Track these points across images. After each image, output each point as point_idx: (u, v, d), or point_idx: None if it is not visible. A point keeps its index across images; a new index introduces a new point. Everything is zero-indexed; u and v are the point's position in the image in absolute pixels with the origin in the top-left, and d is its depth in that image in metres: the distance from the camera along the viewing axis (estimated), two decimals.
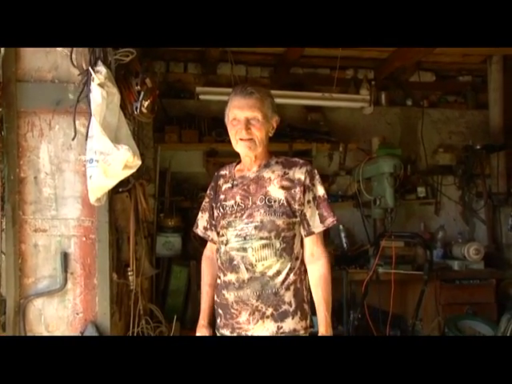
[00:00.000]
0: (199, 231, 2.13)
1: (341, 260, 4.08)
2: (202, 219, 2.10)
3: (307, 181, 1.92)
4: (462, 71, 4.91)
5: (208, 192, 2.09)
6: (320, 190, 1.95)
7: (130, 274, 2.76)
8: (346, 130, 4.66)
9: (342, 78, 4.63)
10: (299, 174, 1.92)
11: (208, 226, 2.07)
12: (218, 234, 2.00)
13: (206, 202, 2.10)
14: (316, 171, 1.97)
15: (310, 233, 1.93)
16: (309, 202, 1.92)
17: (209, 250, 2.12)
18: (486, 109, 4.65)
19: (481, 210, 4.67)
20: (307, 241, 1.94)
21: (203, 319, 2.04)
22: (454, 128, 4.88)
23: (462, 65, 4.74)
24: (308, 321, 1.92)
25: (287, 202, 1.88)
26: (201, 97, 4.27)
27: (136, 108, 2.49)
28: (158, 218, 4.03)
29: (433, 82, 4.96)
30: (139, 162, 2.29)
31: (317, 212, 1.92)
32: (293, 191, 1.89)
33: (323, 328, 1.86)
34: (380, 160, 4.10)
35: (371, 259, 3.77)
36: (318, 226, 1.92)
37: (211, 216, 2.04)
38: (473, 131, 4.82)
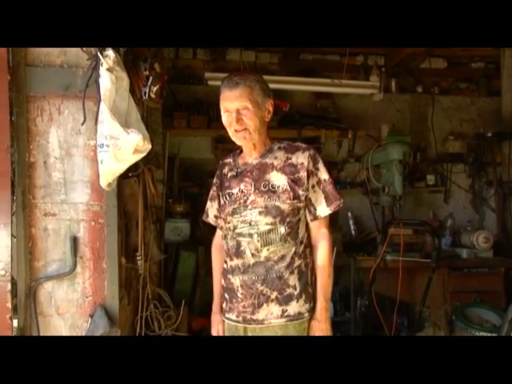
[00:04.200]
0: (210, 220, 2.14)
1: (349, 247, 4.09)
2: (212, 208, 2.12)
3: (310, 165, 1.92)
4: (475, 57, 4.83)
5: (214, 181, 2.11)
6: (324, 174, 1.94)
7: (138, 258, 2.79)
8: (355, 116, 4.63)
9: (352, 64, 4.59)
10: (302, 158, 1.92)
11: (218, 215, 2.09)
12: (224, 221, 2.01)
13: (213, 191, 2.11)
14: (318, 155, 1.96)
15: (316, 217, 1.93)
16: (313, 186, 1.92)
17: (219, 238, 2.14)
18: (498, 96, 4.58)
19: (491, 198, 4.64)
20: (313, 225, 1.95)
21: (215, 306, 2.11)
22: (465, 115, 4.82)
23: (474, 51, 4.65)
24: (312, 303, 1.93)
25: (291, 187, 1.88)
26: (210, 83, 4.27)
27: (145, 93, 2.48)
28: (166, 204, 4.06)
29: (444, 68, 4.88)
30: (149, 146, 2.29)
31: (322, 196, 1.92)
32: (296, 176, 1.89)
33: (318, 312, 1.89)
34: (389, 147, 4.06)
35: (379, 246, 3.76)
36: (324, 210, 1.92)
37: (219, 204, 2.05)
38: (484, 119, 4.77)
